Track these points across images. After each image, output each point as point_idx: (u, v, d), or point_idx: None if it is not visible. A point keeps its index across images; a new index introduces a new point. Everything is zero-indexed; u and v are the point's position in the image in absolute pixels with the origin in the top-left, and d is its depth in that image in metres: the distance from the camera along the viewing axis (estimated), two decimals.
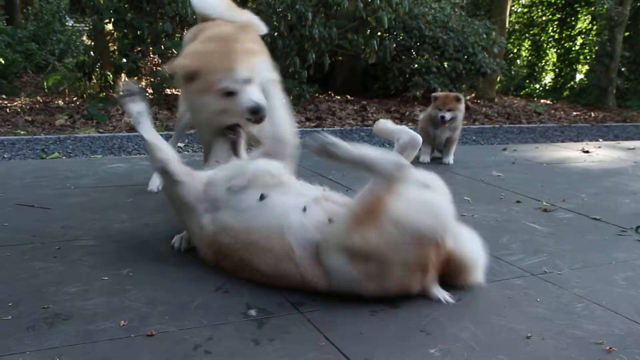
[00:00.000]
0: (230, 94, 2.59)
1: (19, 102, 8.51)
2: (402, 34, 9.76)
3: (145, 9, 8.11)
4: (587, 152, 5.96)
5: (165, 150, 2.55)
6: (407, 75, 9.73)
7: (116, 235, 2.87)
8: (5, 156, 4.82)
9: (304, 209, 2.30)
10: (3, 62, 9.45)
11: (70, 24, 15.47)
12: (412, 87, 9.48)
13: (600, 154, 5.94)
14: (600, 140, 7.40)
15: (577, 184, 4.48)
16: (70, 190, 3.64)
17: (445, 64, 9.61)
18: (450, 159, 5.06)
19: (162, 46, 8.41)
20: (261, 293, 2.28)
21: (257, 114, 2.62)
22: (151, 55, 9.46)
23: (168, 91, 9.03)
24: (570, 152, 5.94)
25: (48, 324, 1.97)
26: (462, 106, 4.95)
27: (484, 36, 9.90)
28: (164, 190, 2.78)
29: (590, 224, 3.46)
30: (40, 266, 2.45)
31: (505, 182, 4.40)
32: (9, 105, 8.17)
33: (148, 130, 2.59)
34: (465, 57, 9.64)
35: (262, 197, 2.34)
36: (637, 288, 2.51)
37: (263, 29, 3.45)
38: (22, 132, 6.24)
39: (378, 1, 8.56)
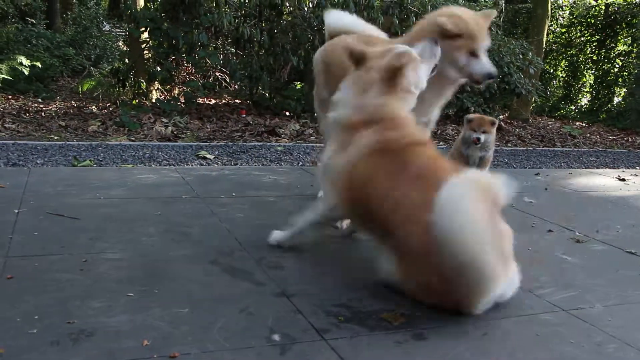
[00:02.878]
0: (474, 55, 3.19)
1: (54, 106, 8.65)
2: None
3: (181, 19, 8.20)
4: (623, 180, 5.83)
5: None
6: None
7: (143, 250, 2.87)
8: (38, 162, 4.88)
9: None
10: (40, 66, 9.62)
11: (107, 29, 15.75)
12: (445, 106, 9.41)
13: (636, 182, 5.81)
14: (638, 167, 7.24)
15: (611, 214, 4.38)
16: (99, 200, 3.67)
17: None
18: None
19: (196, 56, 8.49)
20: (285, 317, 2.26)
21: (490, 78, 3.29)
22: (185, 64, 9.55)
23: (200, 101, 9.10)
24: (605, 180, 5.82)
25: (72, 339, 1.96)
26: (494, 130, 4.89)
27: (520, 56, 9.79)
28: None
29: (624, 258, 3.37)
30: (67, 278, 2.46)
31: (537, 209, 4.31)
32: (44, 109, 8.31)
33: None
34: (500, 77, 9.53)
35: None
36: None
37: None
38: (55, 137, 6.33)
39: (414, 17, 8.55)
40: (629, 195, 5.13)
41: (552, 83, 14.39)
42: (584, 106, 13.59)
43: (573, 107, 13.65)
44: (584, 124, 11.95)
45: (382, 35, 3.97)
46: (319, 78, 3.85)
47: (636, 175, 6.26)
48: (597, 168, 6.93)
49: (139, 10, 8.39)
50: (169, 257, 2.80)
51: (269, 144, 6.76)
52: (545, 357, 2.11)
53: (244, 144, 6.62)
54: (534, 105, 12.67)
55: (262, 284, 2.56)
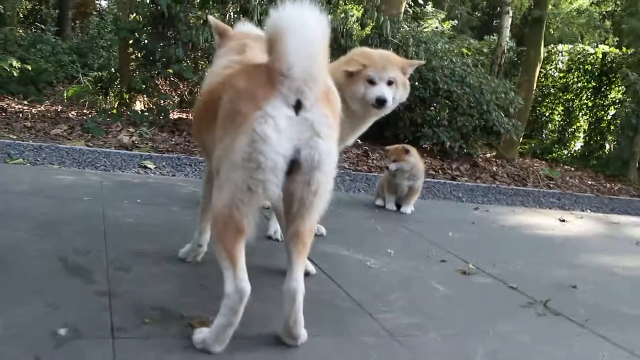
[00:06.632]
0: (371, 83, 3.54)
1: (37, 109, 8.81)
2: (417, 85, 9.69)
3: (160, 33, 8.34)
4: (563, 220, 5.77)
5: None
6: (418, 126, 9.64)
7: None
8: None
9: None
10: (30, 68, 9.84)
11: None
12: (421, 138, 9.40)
13: (576, 224, 5.74)
14: (589, 210, 7.16)
15: (523, 251, 4.34)
16: None
17: (458, 119, 9.50)
18: (408, 209, 5.01)
19: (171, 70, 8.61)
20: (91, 314, 2.26)
21: (381, 103, 3.52)
22: (162, 78, 9.68)
23: (175, 116, 9.21)
24: (545, 219, 5.75)
25: None
26: (410, 158, 4.92)
27: (502, 95, 9.78)
28: None
29: (501, 292, 3.34)
30: None
31: (449, 241, 4.26)
32: (25, 110, 8.46)
33: None
34: (480, 114, 9.52)
35: None
36: None
37: None
38: (12, 137, 6.44)
39: (391, 49, 8.62)
40: (557, 236, 5.06)
41: (547, 126, 14.33)
42: (577, 151, 13.50)
43: (566, 152, 13.55)
44: (572, 168, 11.83)
45: None
46: None
47: (581, 217, 6.19)
48: (551, 209, 6.84)
49: (126, 22, 8.57)
50: (19, 251, 2.82)
51: None
52: None
53: (197, 157, 6.67)
54: (526, 147, 12.64)
55: (93, 283, 2.57)
